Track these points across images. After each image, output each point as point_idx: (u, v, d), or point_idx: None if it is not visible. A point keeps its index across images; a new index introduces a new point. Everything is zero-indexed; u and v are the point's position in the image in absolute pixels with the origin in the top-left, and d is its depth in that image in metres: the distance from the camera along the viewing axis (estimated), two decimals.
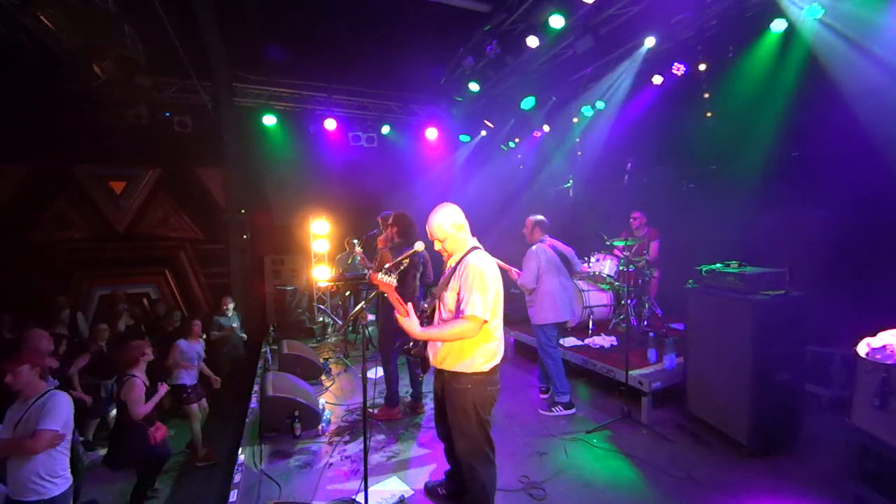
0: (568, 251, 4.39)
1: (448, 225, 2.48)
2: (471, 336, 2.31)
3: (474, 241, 2.56)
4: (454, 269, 2.44)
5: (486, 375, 2.42)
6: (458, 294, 2.36)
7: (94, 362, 4.66)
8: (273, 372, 4.78)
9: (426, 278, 4.21)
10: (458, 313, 2.34)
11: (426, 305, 2.59)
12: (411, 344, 2.60)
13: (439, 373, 2.55)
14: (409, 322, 2.33)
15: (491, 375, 2.45)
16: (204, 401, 4.58)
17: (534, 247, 4.29)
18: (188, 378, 4.37)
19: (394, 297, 2.36)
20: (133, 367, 3.53)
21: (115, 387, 4.87)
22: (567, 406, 4.22)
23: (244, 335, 6.45)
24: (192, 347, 4.53)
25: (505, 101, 7.74)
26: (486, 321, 2.30)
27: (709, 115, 5.99)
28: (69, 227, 7.30)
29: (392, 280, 2.36)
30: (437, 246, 2.55)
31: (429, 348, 2.59)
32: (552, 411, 4.23)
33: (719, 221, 5.54)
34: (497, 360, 2.47)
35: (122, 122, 6.80)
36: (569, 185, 7.98)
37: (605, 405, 4.40)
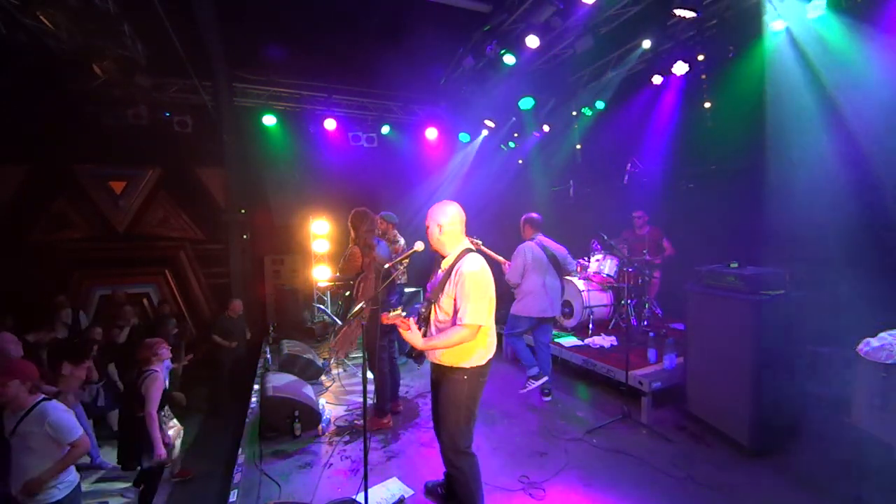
0: (559, 251, 4.48)
1: (440, 221, 2.53)
2: (469, 341, 2.43)
3: (467, 243, 2.60)
4: (448, 273, 2.49)
5: (481, 368, 2.55)
6: (455, 301, 2.43)
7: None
8: (273, 372, 4.78)
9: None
10: (454, 320, 2.43)
11: (422, 309, 2.65)
12: (410, 347, 2.64)
13: (437, 366, 2.62)
14: (412, 336, 2.45)
15: (486, 367, 2.58)
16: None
17: (523, 244, 4.45)
18: None
19: (401, 324, 2.45)
20: (149, 363, 3.56)
21: (103, 391, 4.82)
22: (536, 377, 4.43)
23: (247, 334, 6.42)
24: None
25: (505, 101, 7.74)
26: (481, 326, 2.42)
27: (709, 112, 5.98)
28: (69, 227, 7.29)
29: (401, 313, 2.45)
30: (435, 237, 2.59)
31: None
32: (526, 387, 4.45)
33: (719, 221, 5.53)
34: (491, 353, 2.60)
35: (122, 122, 6.80)
36: (569, 185, 7.98)
37: (605, 405, 4.41)
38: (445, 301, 2.49)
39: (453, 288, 2.44)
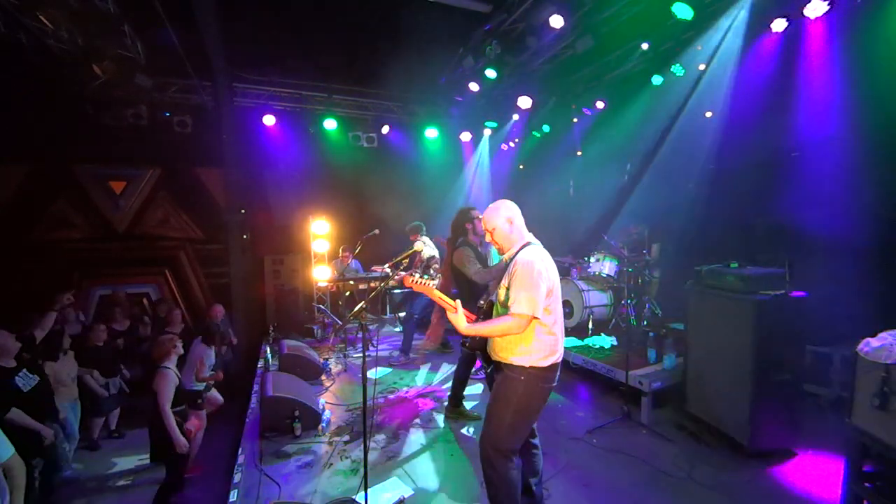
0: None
1: (497, 219, 2.50)
2: (516, 332, 2.29)
3: (529, 237, 2.53)
4: (508, 265, 2.46)
5: (542, 371, 2.35)
6: (508, 290, 2.35)
7: (94, 361, 4.66)
8: (273, 372, 4.78)
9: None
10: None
11: (482, 302, 2.61)
12: (466, 338, 2.60)
13: (497, 363, 2.49)
14: (457, 318, 2.38)
15: (547, 372, 2.38)
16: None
17: None
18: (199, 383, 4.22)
19: (436, 297, 2.49)
20: (167, 358, 3.55)
21: (122, 383, 4.88)
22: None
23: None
24: (209, 353, 4.35)
25: (505, 101, 7.73)
26: (534, 318, 2.27)
27: (708, 114, 5.99)
28: (69, 227, 7.28)
29: (428, 282, 2.47)
30: (487, 238, 2.58)
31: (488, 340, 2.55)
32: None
33: (719, 221, 5.54)
34: (556, 357, 2.40)
35: (122, 122, 6.79)
36: (569, 185, 7.98)
37: (605, 405, 4.41)
38: (501, 292, 2.42)
39: (507, 278, 2.38)
